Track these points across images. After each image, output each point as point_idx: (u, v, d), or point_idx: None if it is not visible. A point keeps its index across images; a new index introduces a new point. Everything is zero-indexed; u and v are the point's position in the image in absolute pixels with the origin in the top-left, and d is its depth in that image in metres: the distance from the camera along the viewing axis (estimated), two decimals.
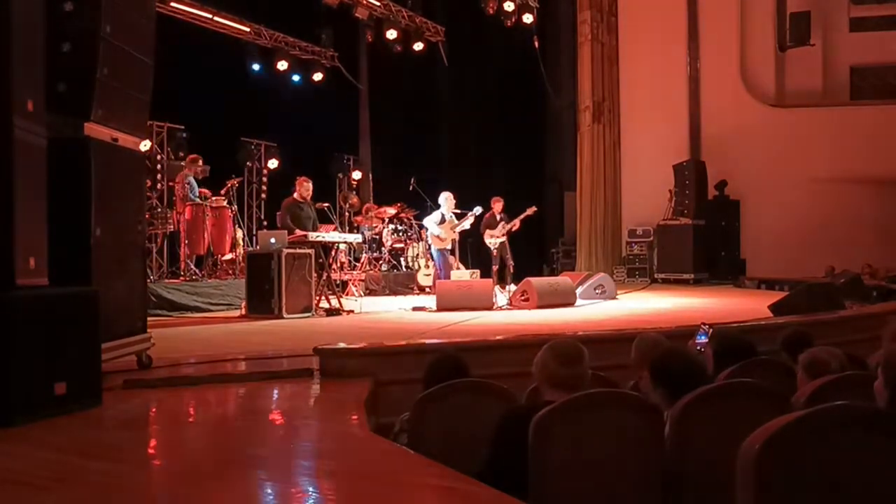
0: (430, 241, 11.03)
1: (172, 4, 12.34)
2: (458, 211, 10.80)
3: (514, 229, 10.93)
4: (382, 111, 16.63)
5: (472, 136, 17.56)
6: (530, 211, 10.93)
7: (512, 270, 10.94)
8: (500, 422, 2.92)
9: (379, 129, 16.80)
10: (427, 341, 5.59)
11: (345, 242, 10.99)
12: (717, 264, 14.47)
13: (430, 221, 10.85)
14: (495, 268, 10.74)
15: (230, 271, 10.87)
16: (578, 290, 10.02)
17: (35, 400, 3.31)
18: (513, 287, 10.07)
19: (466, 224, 10.78)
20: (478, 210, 10.68)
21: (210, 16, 13.21)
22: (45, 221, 3.58)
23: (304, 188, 9.76)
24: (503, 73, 17.05)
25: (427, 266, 12.51)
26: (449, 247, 10.80)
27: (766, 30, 15.34)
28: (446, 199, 10.79)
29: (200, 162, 10.98)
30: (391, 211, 13.17)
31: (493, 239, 10.83)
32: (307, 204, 9.82)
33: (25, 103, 3.43)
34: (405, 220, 13.23)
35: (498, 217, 10.97)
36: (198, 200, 10.52)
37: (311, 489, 2.56)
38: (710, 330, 4.02)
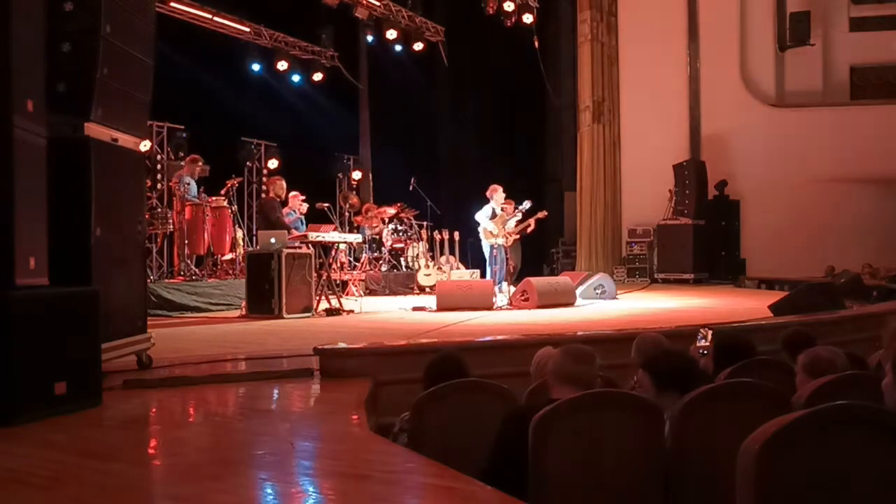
0: (482, 237, 10.54)
1: (172, 4, 12.34)
2: (510, 204, 10.53)
3: (528, 230, 10.78)
4: (382, 111, 16.62)
5: (472, 136, 17.56)
6: (541, 215, 10.85)
7: (513, 271, 10.91)
8: (501, 422, 2.92)
9: (379, 129, 16.79)
10: (427, 341, 5.59)
11: (345, 242, 10.99)
12: (717, 264, 14.48)
13: (483, 216, 10.35)
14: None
15: (230, 271, 10.87)
16: (578, 290, 10.02)
17: (35, 399, 3.31)
18: (513, 287, 10.06)
19: (513, 222, 10.33)
20: (527, 204, 10.13)
21: (210, 16, 13.20)
22: (45, 221, 3.58)
23: (278, 186, 9.93)
24: (503, 73, 17.04)
25: (427, 266, 12.51)
26: (501, 241, 10.26)
27: (766, 30, 15.35)
28: (494, 192, 10.37)
29: (200, 162, 10.99)
30: (391, 211, 13.17)
31: (507, 238, 10.65)
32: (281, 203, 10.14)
33: (25, 103, 3.43)
34: (405, 219, 13.23)
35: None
36: (196, 200, 10.53)
37: (311, 489, 2.56)
38: (710, 333, 4.03)
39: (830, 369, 3.21)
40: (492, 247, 10.39)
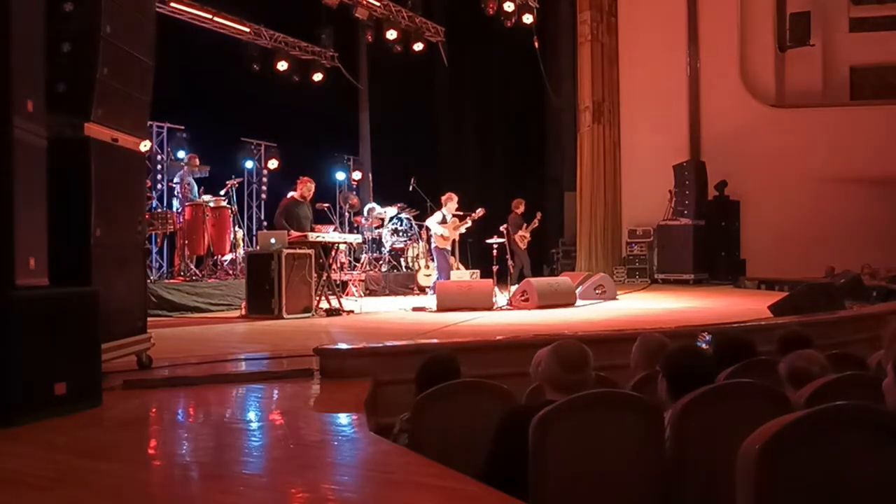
0: (434, 242, 11.10)
1: (172, 4, 12.34)
2: (461, 213, 10.84)
3: (468, 226, 11.17)
4: (382, 111, 16.63)
5: (472, 136, 17.57)
6: (536, 219, 11.29)
7: (512, 271, 10.97)
8: (500, 422, 2.91)
9: (379, 129, 16.79)
10: (427, 341, 5.59)
11: (345, 243, 11.00)
12: (717, 264, 14.48)
13: (433, 222, 10.94)
14: (496, 268, 10.75)
15: (230, 271, 10.87)
16: (578, 291, 10.02)
17: (35, 400, 3.31)
18: (513, 287, 10.08)
19: (463, 228, 10.90)
20: (480, 211, 10.79)
21: (210, 16, 13.21)
22: (45, 221, 3.58)
23: (307, 188, 9.79)
24: (503, 73, 17.04)
25: (427, 266, 12.51)
26: (449, 247, 10.88)
27: (766, 30, 15.36)
28: (448, 200, 10.90)
29: (197, 161, 11.01)
30: (391, 211, 13.16)
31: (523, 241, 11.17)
32: (306, 204, 9.85)
33: (25, 103, 3.43)
34: (405, 220, 13.22)
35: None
36: (198, 200, 10.53)
37: (311, 489, 2.56)
38: (710, 337, 4.03)
39: (807, 379, 3.18)
40: (442, 249, 10.85)
